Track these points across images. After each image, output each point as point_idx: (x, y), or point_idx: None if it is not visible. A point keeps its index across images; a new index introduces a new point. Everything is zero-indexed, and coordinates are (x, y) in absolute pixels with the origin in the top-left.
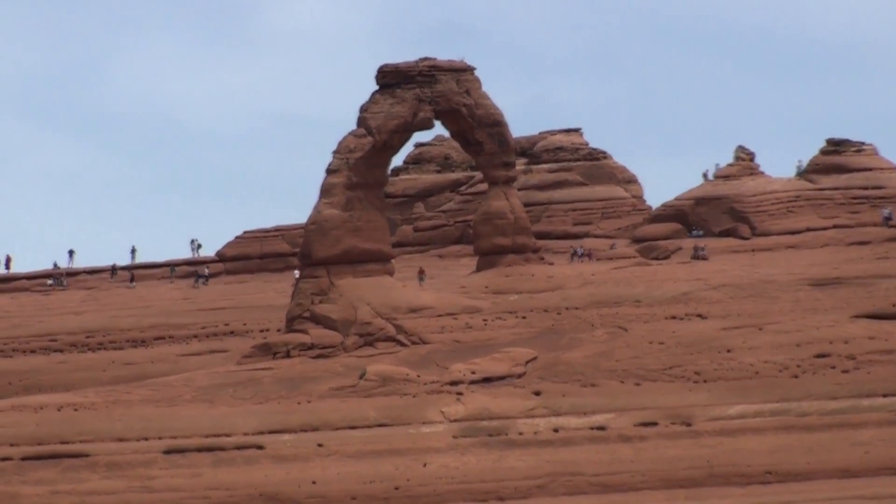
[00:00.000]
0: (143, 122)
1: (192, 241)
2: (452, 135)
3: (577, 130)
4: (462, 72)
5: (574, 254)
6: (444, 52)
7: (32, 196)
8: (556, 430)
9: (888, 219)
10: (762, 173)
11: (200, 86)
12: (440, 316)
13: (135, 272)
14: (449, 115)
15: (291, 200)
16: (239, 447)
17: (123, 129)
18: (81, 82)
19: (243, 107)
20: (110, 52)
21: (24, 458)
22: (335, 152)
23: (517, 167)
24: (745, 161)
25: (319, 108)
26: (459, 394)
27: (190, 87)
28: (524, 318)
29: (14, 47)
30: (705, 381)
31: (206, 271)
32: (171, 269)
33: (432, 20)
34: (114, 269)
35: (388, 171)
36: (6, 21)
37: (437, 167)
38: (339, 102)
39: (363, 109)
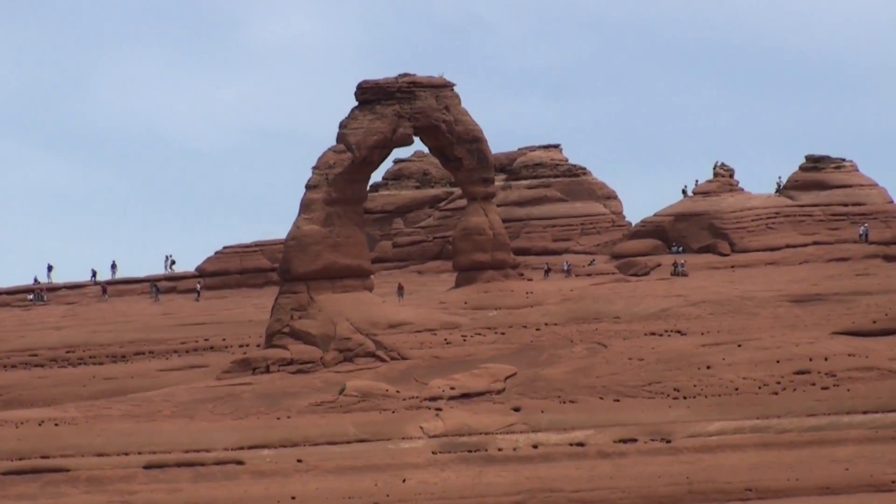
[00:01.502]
0: (126, 137)
1: (167, 258)
2: (431, 151)
3: (556, 146)
4: (441, 88)
5: (563, 269)
6: (427, 69)
7: (13, 211)
8: (535, 447)
9: (865, 235)
10: (742, 189)
11: (184, 101)
12: (419, 332)
13: (116, 287)
14: (428, 132)
15: (271, 215)
16: (219, 462)
17: (106, 144)
18: (64, 97)
19: (226, 122)
20: (93, 67)
21: (4, 473)
22: (315, 168)
23: (496, 183)
24: (724, 177)
25: (302, 123)
26: (439, 409)
27: (173, 102)
28: (503, 333)
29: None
30: (685, 398)
31: (199, 286)
32: (151, 285)
33: (416, 37)
34: (94, 275)
35: (368, 187)
36: None
37: (416, 183)
38: (322, 118)
39: (343, 125)
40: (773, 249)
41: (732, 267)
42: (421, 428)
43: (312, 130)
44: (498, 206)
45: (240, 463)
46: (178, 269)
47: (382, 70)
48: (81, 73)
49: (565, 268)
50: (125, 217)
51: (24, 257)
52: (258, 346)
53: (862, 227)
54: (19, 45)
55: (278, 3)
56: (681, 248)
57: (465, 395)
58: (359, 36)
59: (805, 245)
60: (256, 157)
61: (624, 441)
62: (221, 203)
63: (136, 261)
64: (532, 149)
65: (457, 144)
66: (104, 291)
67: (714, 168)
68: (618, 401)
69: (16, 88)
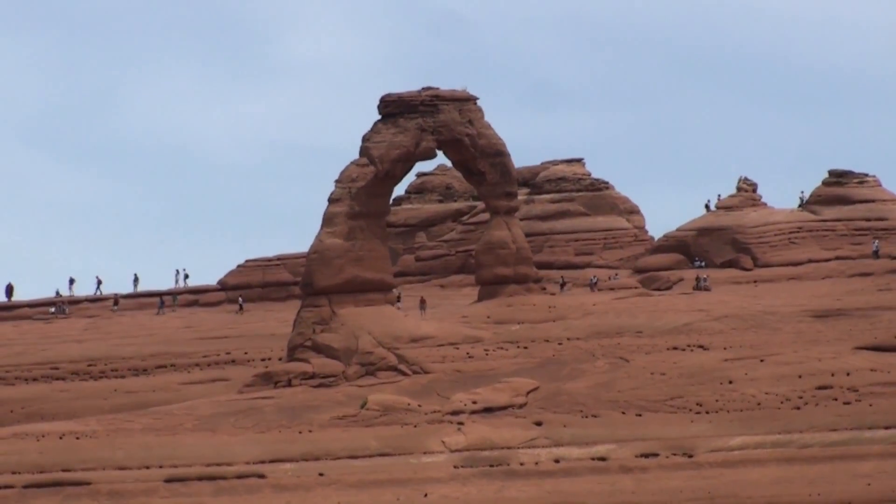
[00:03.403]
0: (154, 152)
1: (178, 272)
2: (454, 164)
3: (579, 161)
4: (464, 101)
5: (590, 283)
6: (450, 83)
7: (42, 225)
8: (557, 461)
9: (876, 252)
10: (764, 204)
11: (211, 116)
12: (441, 345)
13: (138, 300)
14: (451, 145)
15: (295, 229)
16: (240, 476)
17: (133, 158)
18: (94, 113)
19: (252, 137)
20: (122, 82)
21: (25, 486)
22: (337, 181)
23: (519, 197)
24: (747, 192)
25: (328, 137)
26: (460, 424)
27: (201, 117)
28: (525, 348)
29: (28, 78)
30: (707, 413)
31: (241, 299)
32: (173, 298)
33: (441, 52)
34: (116, 300)
35: (390, 201)
36: (21, 52)
37: (439, 197)
38: (348, 132)
39: (365, 139)
40: (795, 264)
41: (755, 282)
42: (443, 442)
43: (337, 144)
44: (521, 220)
45: (261, 476)
46: (197, 282)
47: (407, 85)
48: (111, 88)
49: (593, 281)
50: (150, 231)
51: (49, 271)
52: (280, 359)
53: (874, 243)
54: (52, 62)
55: (306, 20)
56: (703, 263)
57: (488, 410)
58: (384, 51)
59: (828, 260)
60: (281, 171)
61: (646, 455)
62: (245, 217)
63: (160, 274)
64: (555, 163)
65: (480, 158)
66: (116, 303)
67: (737, 182)
68: (640, 415)
69: (49, 105)
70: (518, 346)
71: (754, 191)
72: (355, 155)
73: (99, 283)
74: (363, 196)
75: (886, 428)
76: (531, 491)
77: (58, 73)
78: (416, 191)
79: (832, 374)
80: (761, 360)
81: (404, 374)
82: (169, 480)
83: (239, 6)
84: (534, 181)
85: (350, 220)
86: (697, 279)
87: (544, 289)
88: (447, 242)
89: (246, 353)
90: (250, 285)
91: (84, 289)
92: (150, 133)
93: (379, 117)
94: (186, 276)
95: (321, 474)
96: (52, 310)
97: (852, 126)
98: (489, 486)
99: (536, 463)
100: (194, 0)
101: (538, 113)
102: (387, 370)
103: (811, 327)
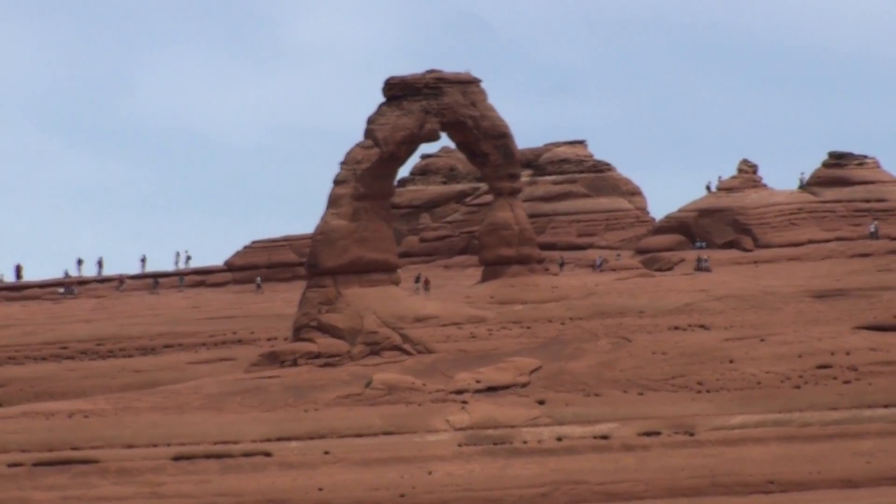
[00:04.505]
0: (163, 134)
1: (178, 254)
2: (458, 146)
3: (582, 143)
4: (468, 84)
5: (594, 264)
6: (456, 67)
7: (52, 206)
8: (559, 439)
9: (874, 232)
10: (765, 186)
11: (221, 99)
12: (445, 325)
13: (145, 281)
14: (455, 127)
15: (300, 211)
16: (247, 454)
17: (144, 141)
18: (106, 96)
19: (260, 119)
20: (134, 67)
21: (35, 464)
22: (342, 163)
23: (522, 179)
24: (748, 173)
25: (335, 120)
26: (464, 402)
27: (210, 100)
28: (529, 328)
29: (42, 62)
30: (708, 391)
31: (259, 279)
32: (180, 279)
33: (446, 36)
34: (121, 281)
35: (395, 182)
36: (34, 37)
37: (442, 178)
38: (354, 115)
39: (370, 121)
40: (795, 245)
41: (755, 262)
42: (447, 421)
43: (343, 127)
44: (524, 201)
45: (267, 455)
46: (204, 263)
47: (412, 68)
48: (122, 73)
49: (598, 263)
50: (159, 212)
51: (58, 252)
52: (286, 339)
53: (873, 225)
54: (63, 46)
55: (314, 6)
56: (704, 244)
57: (491, 389)
58: (390, 36)
59: (827, 241)
60: (288, 153)
61: (647, 434)
62: (251, 198)
63: (168, 255)
64: (558, 145)
65: (483, 140)
66: (121, 282)
67: (738, 164)
68: (641, 394)
69: (62, 88)
70: (521, 326)
71: (755, 172)
72: (360, 137)
73: (100, 263)
74: (368, 178)
75: (886, 406)
76: (534, 469)
77: (71, 58)
78: (420, 172)
79: (832, 354)
80: (762, 340)
81: (409, 353)
82: (176, 458)
83: None
84: (537, 163)
85: (355, 202)
86: (698, 260)
87: (547, 269)
88: (451, 224)
89: (252, 333)
90: (256, 266)
91: (91, 270)
92: (161, 116)
93: (384, 100)
94: (189, 258)
95: (326, 452)
96: (61, 290)
97: (852, 108)
98: (493, 464)
99: (539, 441)
100: None
101: (541, 97)
102: (391, 350)
103: (811, 307)
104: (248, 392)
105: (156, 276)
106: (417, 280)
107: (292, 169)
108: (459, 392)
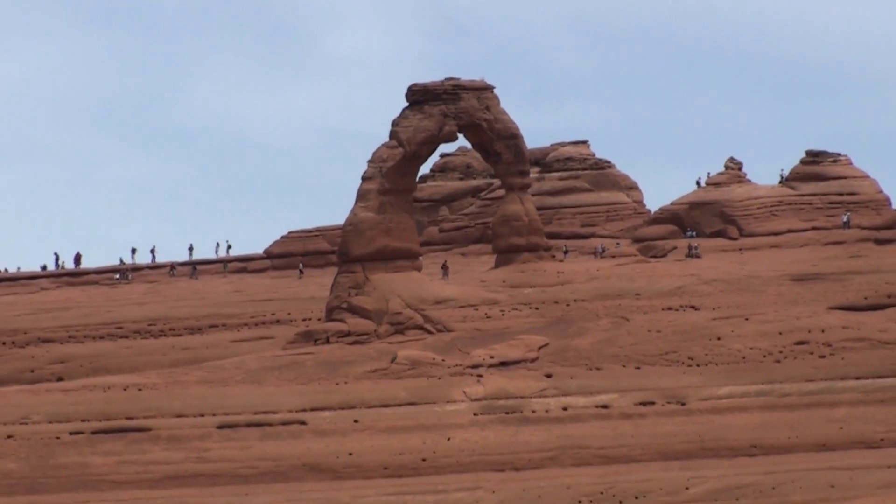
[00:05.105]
0: (211, 136)
1: (217, 244)
2: (474, 146)
3: (584, 142)
4: (483, 90)
5: (596, 252)
6: (471, 75)
7: (109, 200)
8: (565, 409)
9: (847, 223)
10: (749, 181)
11: (264, 105)
12: (462, 307)
13: (188, 267)
14: (471, 129)
15: (332, 204)
16: (284, 423)
17: (195, 142)
18: (159, 101)
19: (299, 123)
20: (185, 74)
21: (93, 432)
22: (370, 162)
23: (531, 175)
24: (733, 170)
25: (365, 123)
26: (479, 376)
27: (253, 105)
28: (537, 309)
29: (101, 69)
30: (698, 365)
31: (301, 265)
32: (224, 266)
33: (464, 48)
34: (172, 267)
35: (417, 179)
36: (94, 46)
37: (460, 175)
38: (381, 118)
39: (395, 123)
40: (776, 234)
41: (741, 249)
42: (464, 392)
43: (371, 129)
44: (532, 195)
45: (303, 423)
46: (245, 251)
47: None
48: (174, 80)
49: (599, 250)
50: (206, 206)
51: (115, 242)
52: (319, 319)
53: (844, 216)
54: (121, 54)
55: (348, 21)
56: (695, 233)
57: (503, 364)
58: (413, 48)
59: (805, 230)
60: (321, 153)
61: (644, 404)
62: (288, 193)
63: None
64: (563, 145)
65: (496, 140)
66: (172, 268)
67: (725, 162)
68: (638, 368)
69: (120, 95)
70: (530, 308)
71: (740, 169)
72: (386, 138)
73: (153, 252)
74: (392, 174)
75: (857, 378)
76: (542, 435)
77: (127, 65)
78: (439, 170)
79: (809, 331)
80: (746, 319)
81: (429, 332)
82: (221, 427)
83: (289, 8)
84: (544, 161)
85: (381, 196)
86: (689, 247)
87: (553, 256)
88: (467, 215)
89: (289, 314)
90: (293, 254)
91: (144, 258)
92: (208, 120)
93: (407, 104)
94: (229, 247)
95: (356, 421)
96: (117, 276)
97: (827, 112)
98: (505, 431)
99: (547, 410)
100: (250, 2)
101: (548, 101)
102: (414, 329)
103: (790, 289)
104: (285, 367)
105: (201, 263)
106: (443, 268)
107: (325, 166)
108: (475, 367)
